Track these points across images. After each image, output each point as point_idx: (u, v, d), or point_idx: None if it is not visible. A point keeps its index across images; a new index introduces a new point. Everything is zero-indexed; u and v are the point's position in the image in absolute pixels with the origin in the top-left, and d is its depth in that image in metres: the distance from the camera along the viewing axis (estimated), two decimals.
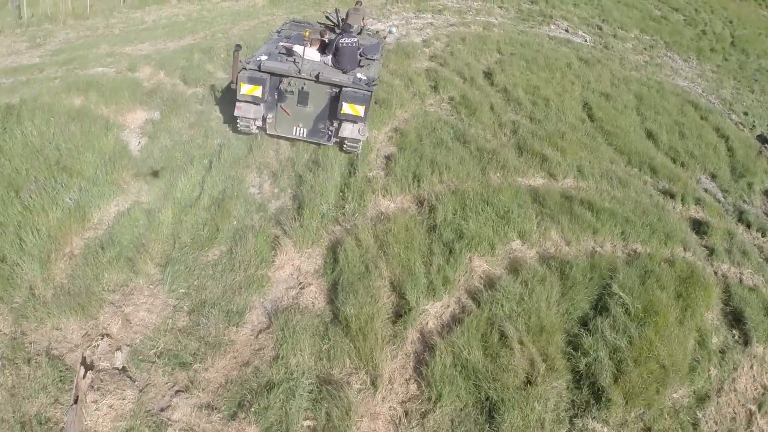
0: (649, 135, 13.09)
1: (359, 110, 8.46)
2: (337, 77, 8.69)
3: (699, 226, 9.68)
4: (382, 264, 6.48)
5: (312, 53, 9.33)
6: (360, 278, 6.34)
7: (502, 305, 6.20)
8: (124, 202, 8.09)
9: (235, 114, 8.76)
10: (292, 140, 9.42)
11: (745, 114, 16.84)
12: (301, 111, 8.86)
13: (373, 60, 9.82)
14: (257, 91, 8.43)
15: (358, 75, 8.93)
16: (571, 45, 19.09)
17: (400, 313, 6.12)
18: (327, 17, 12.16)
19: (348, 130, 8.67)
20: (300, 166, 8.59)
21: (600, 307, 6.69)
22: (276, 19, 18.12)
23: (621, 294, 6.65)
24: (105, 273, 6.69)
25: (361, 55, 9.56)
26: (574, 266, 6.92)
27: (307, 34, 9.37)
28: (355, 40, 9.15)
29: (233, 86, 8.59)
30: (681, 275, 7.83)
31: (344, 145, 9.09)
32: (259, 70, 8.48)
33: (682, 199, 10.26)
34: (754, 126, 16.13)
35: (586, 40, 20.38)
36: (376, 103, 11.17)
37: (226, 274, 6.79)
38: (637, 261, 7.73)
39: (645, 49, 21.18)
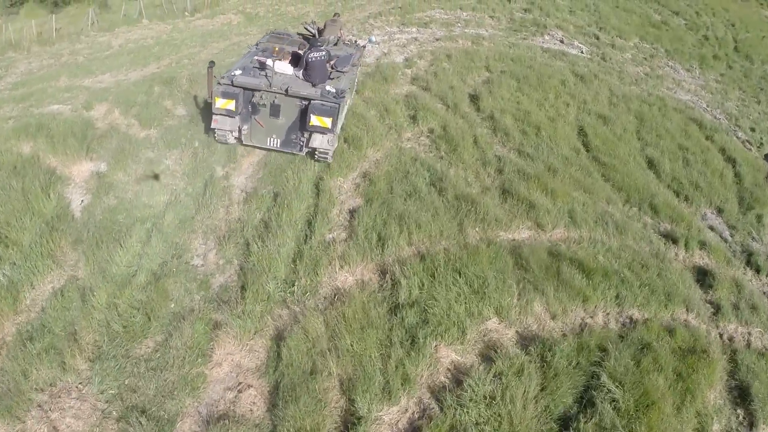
0: (651, 164, 12.26)
1: (326, 122, 8.85)
2: (306, 91, 9.12)
3: (704, 277, 8.86)
4: (332, 360, 5.71)
5: (284, 67, 9.71)
6: (305, 379, 5.56)
7: (468, 410, 5.43)
8: (60, 278, 7.36)
9: (211, 126, 9.37)
10: (266, 150, 9.82)
11: (752, 130, 15.98)
12: (273, 123, 9.37)
13: (343, 72, 10.10)
14: (231, 104, 8.94)
15: (327, 88, 9.23)
16: (567, 58, 18.26)
17: (349, 424, 5.37)
18: (306, 28, 12.52)
19: (318, 140, 9.17)
20: (249, 229, 7.85)
21: (586, 401, 5.93)
22: (249, 39, 17.42)
23: (610, 387, 5.88)
24: (34, 369, 6.03)
25: (332, 68, 9.92)
26: (557, 352, 6.15)
27: (276, 50, 9.81)
28: (323, 53, 9.49)
29: (209, 101, 9.22)
30: (682, 347, 7.05)
31: (315, 155, 9.53)
32: (233, 85, 9.01)
33: (685, 245, 9.41)
34: (761, 144, 15.27)
35: (582, 52, 19.56)
36: (345, 142, 10.48)
37: (159, 372, 6.03)
38: (633, 334, 6.91)
39: (645, 59, 20.35)
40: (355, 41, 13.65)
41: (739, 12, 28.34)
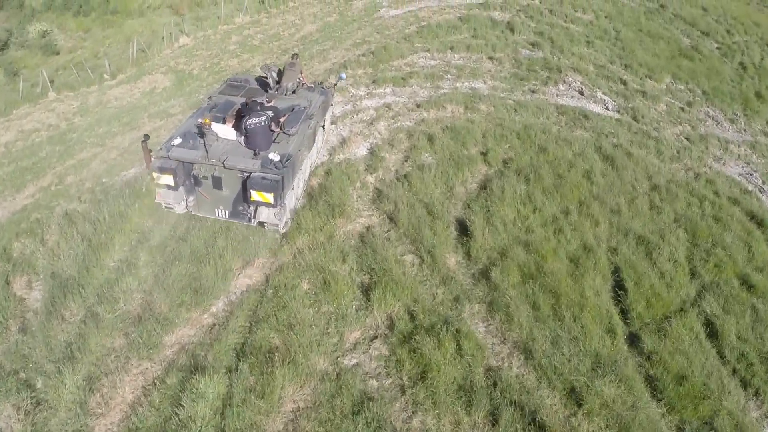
0: (711, 331, 8.53)
1: (268, 197, 8.50)
2: (243, 163, 8.73)
3: None
4: None
5: (227, 132, 9.29)
6: None
7: None
8: None
9: (156, 200, 9.26)
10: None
11: None
12: (218, 194, 9.13)
13: (290, 135, 9.48)
14: (169, 179, 8.70)
15: (270, 156, 8.81)
16: (590, 122, 14.46)
17: None
18: (263, 74, 11.48)
19: (264, 214, 8.95)
20: None
21: None
22: (167, 124, 13.91)
23: None
24: None
25: (280, 129, 9.41)
26: None
27: (206, 121, 8.83)
28: (263, 119, 8.93)
29: (148, 174, 9.17)
30: None
31: (265, 227, 9.26)
32: (169, 158, 8.73)
33: None
34: None
35: (608, 108, 15.75)
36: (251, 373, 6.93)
37: None
38: None
39: (682, 109, 16.53)
40: (321, 83, 12.23)
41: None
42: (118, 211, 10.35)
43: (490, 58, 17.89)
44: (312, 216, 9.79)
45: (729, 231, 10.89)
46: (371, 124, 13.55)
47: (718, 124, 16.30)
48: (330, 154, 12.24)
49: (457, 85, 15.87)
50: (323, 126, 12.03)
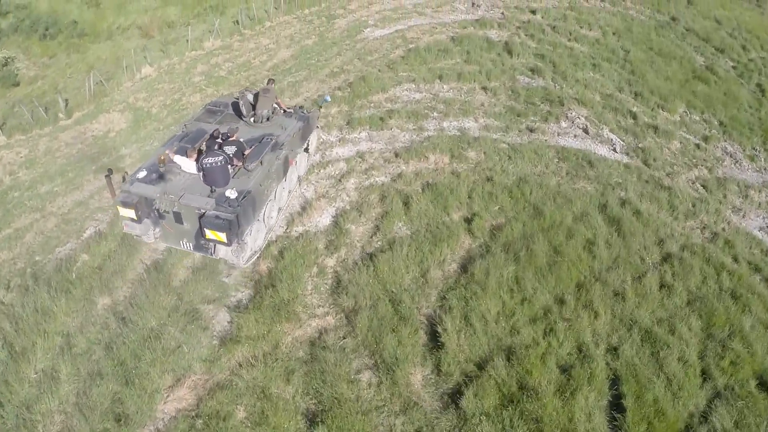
0: None
1: (221, 236, 8.70)
2: (197, 201, 8.99)
3: None
4: None
5: (189, 165, 9.57)
6: None
7: None
8: None
9: (124, 231, 9.83)
10: None
11: None
12: (180, 228, 9.36)
13: (249, 171, 9.65)
14: (131, 213, 9.19)
15: (227, 193, 9.05)
16: (595, 169, 13.07)
17: None
18: (238, 101, 11.38)
19: (222, 251, 9.36)
20: None
21: None
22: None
23: None
24: None
25: (242, 163, 9.72)
26: None
27: (161, 158, 9.43)
28: (220, 158, 9.23)
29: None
30: None
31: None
32: (130, 192, 9.22)
33: None
34: None
35: (615, 149, 14.32)
36: None
37: None
38: None
39: (698, 146, 15.08)
40: (300, 107, 12.13)
41: None
42: (44, 307, 9.47)
43: (484, 88, 16.51)
44: (255, 320, 8.54)
45: (748, 313, 9.58)
46: (340, 181, 12.31)
47: (737, 162, 14.82)
48: (287, 225, 11.01)
49: (444, 125, 14.53)
50: (306, 149, 12.35)
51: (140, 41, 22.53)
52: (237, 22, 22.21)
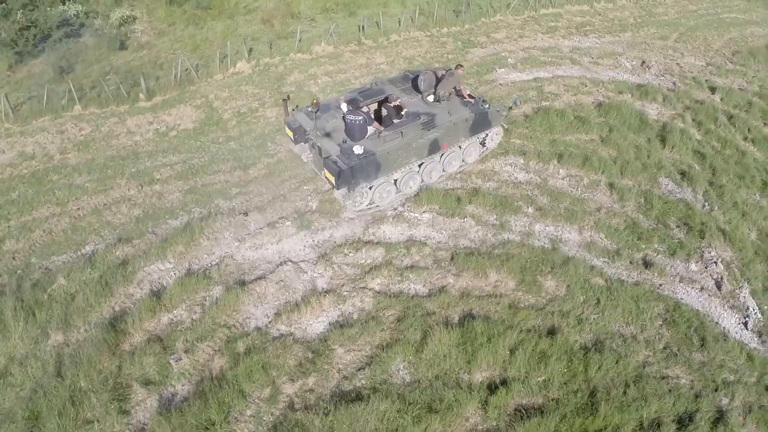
0: None
1: (332, 178, 10.80)
2: (327, 144, 11.26)
3: None
4: None
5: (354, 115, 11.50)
6: None
7: None
8: None
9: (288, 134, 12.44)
10: None
11: None
12: (319, 160, 11.50)
13: (380, 137, 11.23)
14: (291, 134, 12.20)
15: (354, 147, 10.92)
16: (706, 350, 10.10)
17: None
18: (418, 76, 13.04)
19: (336, 192, 11.30)
20: None
21: None
22: (142, 194, 12.16)
23: None
24: None
25: (381, 128, 11.70)
26: None
27: (314, 102, 11.62)
28: (360, 118, 11.16)
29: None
30: None
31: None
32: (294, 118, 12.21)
33: None
34: None
35: (747, 324, 11.05)
36: None
37: None
38: None
39: None
40: (483, 100, 12.98)
41: None
42: (5, 321, 9.58)
43: (611, 185, 13.72)
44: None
45: None
46: (365, 275, 10.61)
47: None
48: (276, 315, 9.68)
49: (536, 228, 12.16)
50: (483, 143, 13.52)
51: (258, 27, 22.06)
52: (362, 27, 20.93)
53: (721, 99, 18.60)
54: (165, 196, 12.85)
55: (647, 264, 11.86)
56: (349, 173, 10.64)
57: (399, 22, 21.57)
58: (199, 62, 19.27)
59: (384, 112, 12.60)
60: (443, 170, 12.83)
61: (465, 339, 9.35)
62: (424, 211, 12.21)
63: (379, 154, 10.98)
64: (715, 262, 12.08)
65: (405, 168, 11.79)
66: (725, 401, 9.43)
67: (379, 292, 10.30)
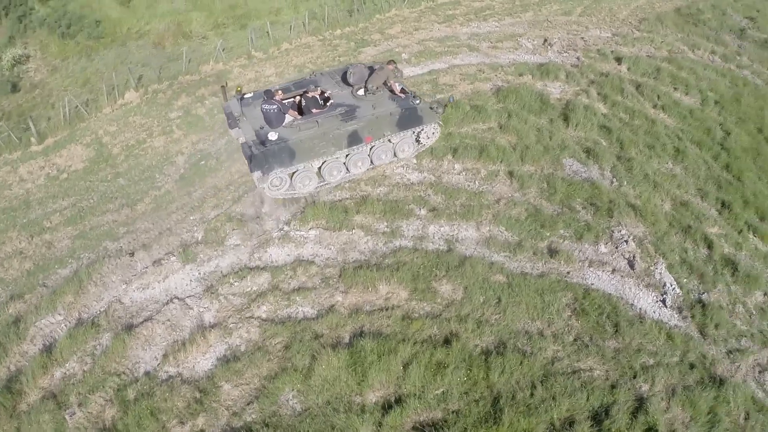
0: None
1: (246, 161, 11.60)
2: (246, 130, 11.89)
3: None
4: None
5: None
6: None
7: None
8: None
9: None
10: None
11: None
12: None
13: (294, 127, 11.66)
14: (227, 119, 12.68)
15: (269, 134, 11.45)
16: (621, 336, 9.74)
17: None
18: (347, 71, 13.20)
19: (253, 174, 11.56)
20: None
21: None
22: (32, 245, 11.55)
23: None
24: None
25: (299, 117, 12.10)
26: None
27: (238, 89, 12.76)
28: (275, 107, 11.70)
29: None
30: None
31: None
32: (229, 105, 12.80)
33: None
34: None
35: (665, 301, 10.70)
36: None
37: None
38: None
39: None
40: (414, 95, 12.90)
41: None
42: None
43: (511, 173, 13.26)
44: None
45: None
46: (251, 304, 9.95)
47: None
48: (164, 356, 9.05)
49: (430, 230, 11.58)
50: (417, 140, 13.22)
51: (149, 51, 21.24)
52: (250, 40, 20.20)
53: (628, 68, 18.48)
54: (54, 244, 12.64)
55: (552, 252, 11.41)
56: (262, 158, 11.04)
57: (290, 29, 20.92)
58: (89, 97, 18.55)
59: (303, 102, 12.81)
60: (371, 163, 12.85)
61: (354, 359, 8.79)
62: (310, 228, 11.56)
63: (292, 141, 11.34)
64: (626, 241, 11.70)
65: (325, 157, 11.86)
66: (645, 387, 9.01)
67: (265, 320, 9.80)
